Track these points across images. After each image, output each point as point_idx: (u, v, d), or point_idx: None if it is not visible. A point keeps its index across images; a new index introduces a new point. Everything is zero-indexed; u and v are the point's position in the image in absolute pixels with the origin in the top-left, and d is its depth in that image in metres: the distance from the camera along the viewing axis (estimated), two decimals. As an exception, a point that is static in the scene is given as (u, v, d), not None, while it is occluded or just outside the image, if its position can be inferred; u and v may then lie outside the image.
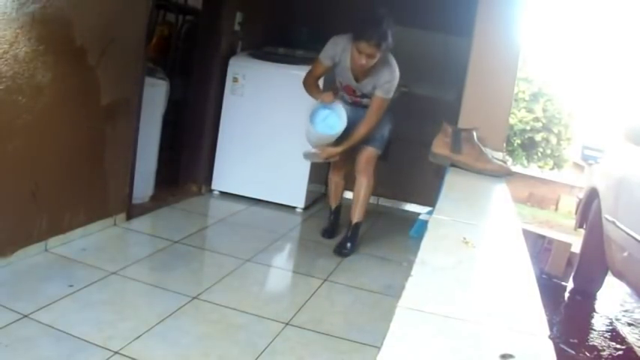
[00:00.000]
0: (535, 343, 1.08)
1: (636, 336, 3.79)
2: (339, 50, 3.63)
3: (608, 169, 4.38)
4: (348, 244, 3.87)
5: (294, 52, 4.69)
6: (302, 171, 4.57)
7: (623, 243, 3.61)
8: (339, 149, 3.73)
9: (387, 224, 4.87)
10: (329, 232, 4.19)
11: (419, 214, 5.02)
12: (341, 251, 3.83)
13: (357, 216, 3.94)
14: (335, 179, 4.20)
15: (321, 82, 3.95)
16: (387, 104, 3.71)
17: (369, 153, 3.89)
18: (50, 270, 2.90)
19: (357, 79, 3.69)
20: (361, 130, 3.70)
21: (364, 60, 3.44)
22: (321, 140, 3.76)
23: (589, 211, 4.53)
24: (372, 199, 5.43)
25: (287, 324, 2.73)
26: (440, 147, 3.02)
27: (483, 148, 2.95)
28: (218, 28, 4.56)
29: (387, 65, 3.64)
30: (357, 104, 3.87)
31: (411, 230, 4.45)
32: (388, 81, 3.62)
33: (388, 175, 5.36)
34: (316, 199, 4.99)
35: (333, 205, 4.27)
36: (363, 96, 3.79)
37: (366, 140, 3.84)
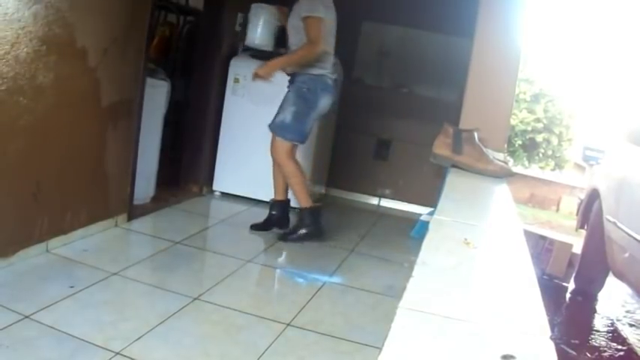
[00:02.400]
0: (536, 344, 1.08)
1: (637, 337, 3.79)
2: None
3: (609, 169, 4.38)
4: (300, 230, 3.90)
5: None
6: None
7: (624, 244, 3.61)
8: (260, 69, 3.70)
9: (388, 225, 4.87)
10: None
11: (420, 214, 5.02)
12: (286, 237, 3.90)
13: (300, 202, 3.91)
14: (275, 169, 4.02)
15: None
16: (319, 24, 3.58)
17: (273, 139, 3.83)
18: (51, 271, 2.90)
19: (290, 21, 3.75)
20: (294, 52, 3.68)
21: None
22: None
23: (590, 211, 4.53)
24: (374, 200, 5.45)
25: (288, 325, 2.73)
26: (441, 148, 3.02)
27: (484, 149, 2.95)
28: (219, 28, 4.56)
29: None
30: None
31: (411, 231, 4.43)
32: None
33: (389, 176, 5.37)
34: (317, 200, 4.99)
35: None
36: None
37: (273, 128, 3.82)
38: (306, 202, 3.86)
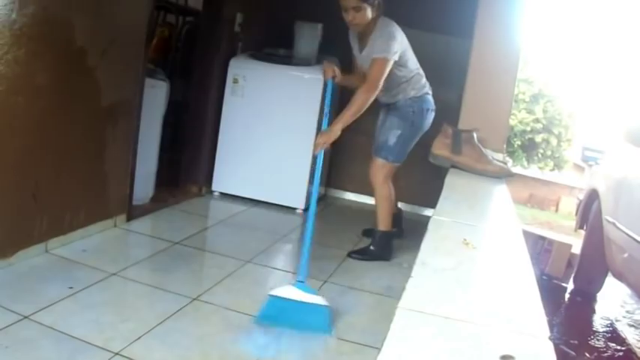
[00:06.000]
0: (535, 344, 1.09)
1: (636, 337, 3.79)
2: (351, 37, 3.65)
3: (609, 170, 4.38)
4: (371, 247, 3.84)
5: (295, 53, 4.70)
6: (302, 172, 4.57)
7: (624, 244, 3.61)
8: (325, 135, 3.21)
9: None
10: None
11: (420, 215, 5.02)
12: (355, 254, 3.84)
13: (380, 225, 3.84)
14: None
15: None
16: (386, 68, 3.38)
17: (373, 163, 3.80)
18: (50, 271, 2.90)
19: (361, 51, 3.57)
20: (352, 102, 3.34)
21: (350, 15, 3.36)
22: None
23: (589, 212, 4.53)
24: (373, 200, 5.43)
25: (287, 325, 2.73)
26: (440, 148, 3.03)
27: (484, 150, 2.95)
28: (218, 29, 4.56)
29: (381, 25, 3.45)
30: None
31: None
32: (380, 36, 3.40)
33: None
34: (316, 200, 4.98)
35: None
36: None
37: (375, 148, 3.81)
38: (387, 227, 3.83)
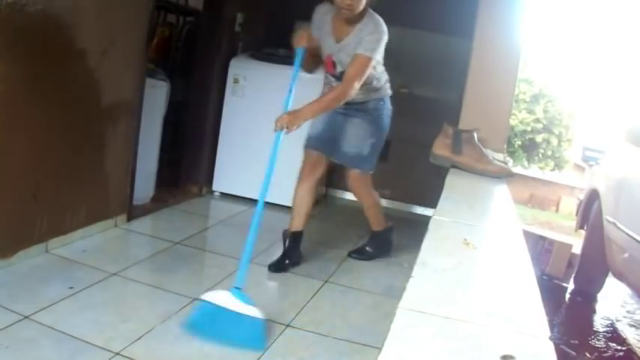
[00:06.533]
0: (536, 345, 1.08)
1: (637, 337, 3.79)
2: (320, 14, 3.25)
3: (609, 170, 4.38)
4: (367, 248, 3.84)
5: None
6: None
7: (624, 244, 3.61)
8: (291, 117, 2.92)
9: (388, 225, 4.86)
10: (276, 264, 3.48)
11: (420, 215, 5.02)
12: (354, 254, 3.84)
13: (373, 226, 3.81)
14: (300, 191, 3.56)
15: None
16: (368, 69, 3.08)
17: (352, 176, 3.59)
18: (51, 271, 2.90)
19: (338, 39, 3.18)
20: (326, 96, 3.12)
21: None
22: None
23: (590, 212, 4.53)
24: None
25: (288, 325, 2.73)
26: (440, 148, 3.02)
27: (484, 150, 2.95)
28: (219, 29, 4.56)
29: (371, 19, 3.12)
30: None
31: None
32: (371, 32, 3.08)
33: (388, 177, 5.35)
34: (317, 200, 4.98)
35: (292, 228, 3.56)
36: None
37: (341, 157, 3.53)
38: (380, 226, 3.81)
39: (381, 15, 3.23)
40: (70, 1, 2.92)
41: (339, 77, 3.21)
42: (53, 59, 2.88)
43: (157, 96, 4.01)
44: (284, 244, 3.53)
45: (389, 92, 3.51)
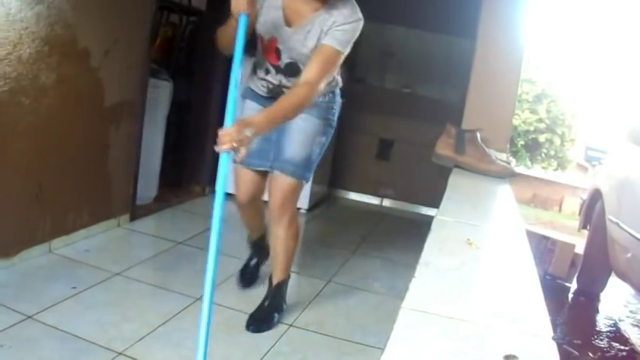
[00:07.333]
0: (539, 344, 1.08)
1: (640, 337, 3.79)
2: None
3: (612, 170, 4.38)
4: (274, 314, 2.76)
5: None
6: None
7: (627, 244, 3.61)
8: (236, 135, 2.06)
9: (391, 225, 4.86)
10: (246, 277, 3.13)
11: (423, 215, 5.01)
12: (253, 325, 2.69)
13: (277, 275, 2.79)
14: (244, 215, 3.00)
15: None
16: (337, 66, 2.39)
17: (285, 186, 2.62)
18: (54, 271, 2.90)
19: (289, 22, 2.40)
20: (289, 100, 2.29)
21: None
22: None
23: (592, 212, 4.53)
24: (376, 200, 5.44)
25: (291, 325, 2.74)
26: (443, 148, 3.02)
27: (487, 150, 2.95)
28: (221, 29, 4.55)
29: (344, 1, 2.37)
30: (276, 92, 2.59)
31: None
32: (345, 19, 2.33)
33: (391, 176, 5.36)
34: (320, 200, 4.99)
35: (254, 235, 3.12)
36: (290, 69, 2.51)
37: (283, 163, 2.60)
38: (287, 273, 2.85)
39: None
40: (73, 0, 2.92)
41: (283, 71, 2.52)
42: (56, 59, 2.89)
43: (159, 96, 4.02)
44: (251, 250, 3.16)
45: (340, 83, 2.70)
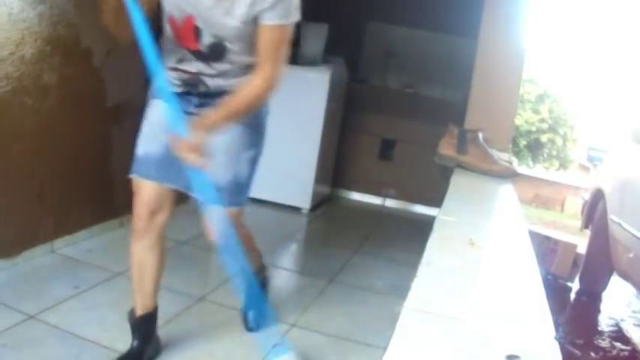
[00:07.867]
0: (541, 344, 1.08)
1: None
2: None
3: (614, 170, 4.37)
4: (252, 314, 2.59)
5: (300, 53, 4.70)
6: (308, 172, 4.57)
7: (629, 244, 3.61)
8: (193, 144, 1.88)
9: (393, 225, 4.86)
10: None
11: (425, 215, 5.01)
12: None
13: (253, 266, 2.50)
14: (136, 252, 2.17)
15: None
16: (288, 37, 1.97)
17: (224, 217, 2.22)
18: (56, 271, 2.90)
19: None
20: (245, 94, 1.98)
21: None
22: None
23: (594, 212, 4.52)
24: (378, 200, 5.44)
25: (293, 325, 2.74)
26: (446, 148, 3.02)
27: (489, 149, 2.95)
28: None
29: None
30: (192, 84, 2.13)
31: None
32: None
33: (394, 176, 5.36)
34: (322, 200, 4.99)
35: (140, 310, 2.22)
36: (214, 51, 2.00)
37: (222, 198, 2.14)
38: (259, 264, 2.67)
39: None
40: (75, 0, 2.92)
41: (206, 55, 2.01)
42: (59, 59, 2.89)
43: (161, 96, 4.01)
44: (133, 333, 2.23)
45: None
